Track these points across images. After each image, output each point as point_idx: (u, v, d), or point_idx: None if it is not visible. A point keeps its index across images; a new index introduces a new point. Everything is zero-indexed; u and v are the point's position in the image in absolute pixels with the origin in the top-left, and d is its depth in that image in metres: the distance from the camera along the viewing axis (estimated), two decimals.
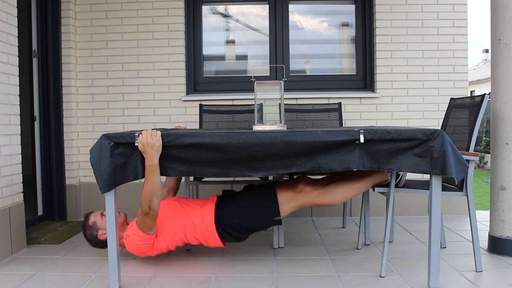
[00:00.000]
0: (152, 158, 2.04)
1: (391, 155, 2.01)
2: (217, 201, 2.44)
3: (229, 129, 2.59)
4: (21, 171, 2.83)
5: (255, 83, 2.45)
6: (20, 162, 2.82)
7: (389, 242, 2.85)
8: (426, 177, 3.18)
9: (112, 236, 2.06)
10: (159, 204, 2.21)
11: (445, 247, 2.73)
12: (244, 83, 3.78)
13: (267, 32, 3.85)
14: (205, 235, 2.38)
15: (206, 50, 3.91)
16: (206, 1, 3.87)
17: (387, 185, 2.40)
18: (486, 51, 25.33)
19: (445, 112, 2.81)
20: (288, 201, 2.37)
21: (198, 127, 3.55)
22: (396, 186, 2.41)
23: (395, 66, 3.67)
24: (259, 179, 2.99)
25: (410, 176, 3.06)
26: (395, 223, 3.41)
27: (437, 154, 1.93)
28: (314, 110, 3.47)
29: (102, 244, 2.44)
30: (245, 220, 2.37)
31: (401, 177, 2.45)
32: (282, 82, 2.47)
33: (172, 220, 2.38)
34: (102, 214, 2.46)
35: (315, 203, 2.38)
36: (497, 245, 2.57)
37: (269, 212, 2.37)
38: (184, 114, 3.71)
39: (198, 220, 2.37)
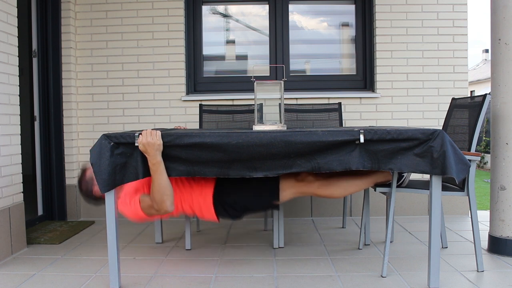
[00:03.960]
0: (154, 156, 2.04)
1: (391, 155, 2.01)
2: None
3: (229, 129, 2.59)
4: (21, 171, 2.83)
5: (255, 83, 2.45)
6: (20, 162, 2.82)
7: (390, 242, 2.85)
8: (427, 177, 3.18)
9: (112, 236, 2.06)
10: (173, 204, 2.17)
11: (447, 247, 2.73)
12: (244, 83, 3.78)
13: (267, 32, 3.85)
14: (202, 207, 2.35)
15: (206, 50, 3.90)
16: (206, 1, 3.87)
17: (388, 185, 2.39)
18: (486, 51, 25.31)
19: (445, 112, 2.82)
20: (289, 188, 2.36)
21: (198, 127, 3.55)
22: (399, 186, 2.41)
23: (395, 66, 3.67)
24: None
25: (411, 176, 3.06)
26: (395, 223, 3.41)
27: (437, 154, 1.93)
28: (314, 110, 3.47)
29: (96, 200, 2.40)
30: (243, 199, 2.36)
31: (405, 178, 2.45)
32: (282, 82, 2.47)
33: (172, 186, 2.35)
34: None
35: (316, 193, 2.38)
36: (497, 245, 2.57)
37: (269, 195, 2.36)
38: (184, 114, 3.71)
39: (197, 191, 2.35)
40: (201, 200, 2.35)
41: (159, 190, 2.10)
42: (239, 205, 2.36)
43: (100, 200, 2.36)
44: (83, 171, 2.45)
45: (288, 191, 2.37)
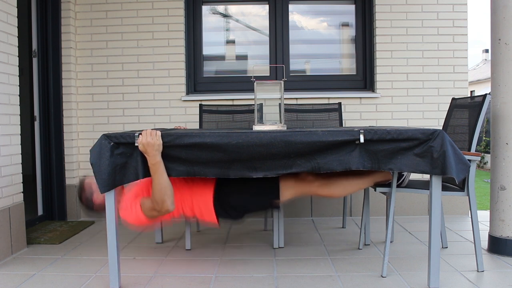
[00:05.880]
0: (154, 157, 2.04)
1: (391, 155, 2.01)
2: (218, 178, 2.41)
3: (229, 129, 2.59)
4: (21, 171, 2.83)
5: (255, 83, 2.45)
6: (20, 162, 2.82)
7: (390, 242, 2.85)
8: (427, 177, 3.18)
9: (112, 236, 2.06)
10: (173, 203, 2.16)
11: (447, 247, 2.73)
12: (244, 83, 3.78)
13: (267, 32, 3.85)
14: (202, 208, 2.34)
15: (206, 50, 3.90)
16: (206, 1, 3.87)
17: (388, 185, 2.39)
18: (486, 51, 25.30)
19: (445, 112, 2.82)
20: (289, 187, 2.35)
21: (198, 127, 3.55)
22: (399, 186, 2.41)
23: (395, 66, 3.67)
24: None
25: (411, 176, 3.06)
26: (395, 223, 3.41)
27: (437, 154, 1.93)
28: (314, 110, 3.47)
29: (97, 207, 2.37)
30: (244, 199, 2.35)
31: (405, 177, 2.44)
32: (282, 82, 2.47)
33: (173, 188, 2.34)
34: None
35: (316, 193, 2.37)
36: (497, 245, 2.57)
37: (269, 194, 2.35)
38: (184, 114, 3.71)
39: (197, 193, 2.34)
40: (201, 203, 2.34)
41: (160, 190, 2.10)
42: (239, 205, 2.35)
43: (100, 206, 2.34)
44: (81, 182, 2.45)
45: (288, 191, 2.36)
